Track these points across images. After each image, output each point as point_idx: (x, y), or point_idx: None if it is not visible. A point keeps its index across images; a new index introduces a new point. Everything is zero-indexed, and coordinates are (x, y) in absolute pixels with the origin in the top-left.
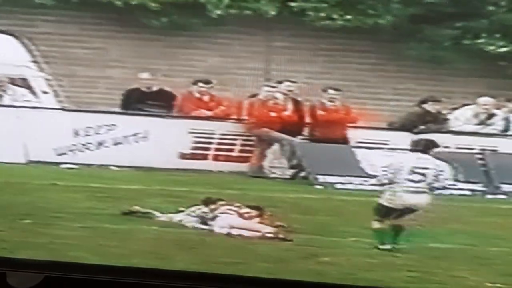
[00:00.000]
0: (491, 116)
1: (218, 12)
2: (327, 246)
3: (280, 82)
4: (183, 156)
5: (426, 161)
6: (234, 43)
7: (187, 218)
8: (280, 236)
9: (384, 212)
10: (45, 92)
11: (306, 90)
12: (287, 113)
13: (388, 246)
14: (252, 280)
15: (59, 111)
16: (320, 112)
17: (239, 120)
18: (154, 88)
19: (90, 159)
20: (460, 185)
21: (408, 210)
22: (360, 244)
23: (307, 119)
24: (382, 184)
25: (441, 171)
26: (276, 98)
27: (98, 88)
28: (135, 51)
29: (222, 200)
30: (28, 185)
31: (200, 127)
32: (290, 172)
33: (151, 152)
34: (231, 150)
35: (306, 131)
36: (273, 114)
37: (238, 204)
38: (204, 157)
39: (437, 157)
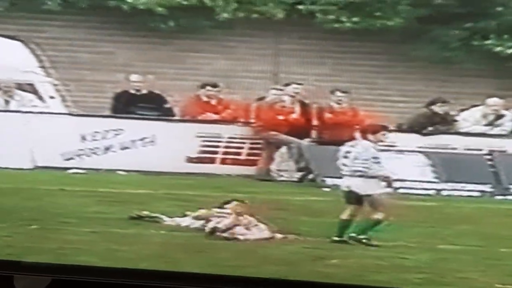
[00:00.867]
0: (499, 117)
1: (226, 15)
2: (335, 248)
3: (287, 85)
4: (191, 160)
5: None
6: (242, 46)
7: (193, 222)
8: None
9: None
10: (52, 97)
11: (314, 92)
12: (294, 116)
13: (344, 238)
14: (260, 281)
15: (66, 116)
16: (327, 115)
17: (246, 124)
18: (144, 91)
19: (97, 164)
20: (469, 186)
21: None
22: (368, 246)
23: (315, 122)
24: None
25: (375, 158)
26: (283, 101)
27: (105, 92)
28: (142, 55)
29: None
30: (35, 190)
31: (207, 130)
32: (298, 175)
33: (159, 156)
34: (238, 154)
35: (313, 134)
36: (280, 117)
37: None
38: (212, 161)
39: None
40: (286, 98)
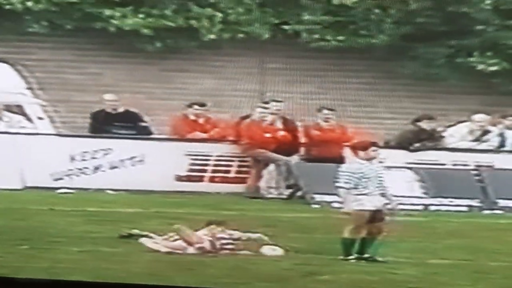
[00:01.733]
0: (486, 132)
1: (212, 36)
2: (326, 264)
3: (266, 103)
4: (180, 179)
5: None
6: (228, 66)
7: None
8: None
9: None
10: (40, 118)
11: (301, 110)
12: (282, 133)
13: (353, 257)
14: None
15: (55, 136)
16: (315, 132)
17: (235, 142)
18: (120, 109)
19: (86, 184)
20: (457, 201)
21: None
22: (359, 261)
23: (303, 139)
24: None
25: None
26: (268, 119)
27: None
28: (130, 76)
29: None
30: (25, 210)
31: (196, 149)
32: (287, 192)
33: (148, 175)
34: (227, 172)
35: (302, 151)
36: (268, 135)
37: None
38: (201, 179)
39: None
40: (268, 115)
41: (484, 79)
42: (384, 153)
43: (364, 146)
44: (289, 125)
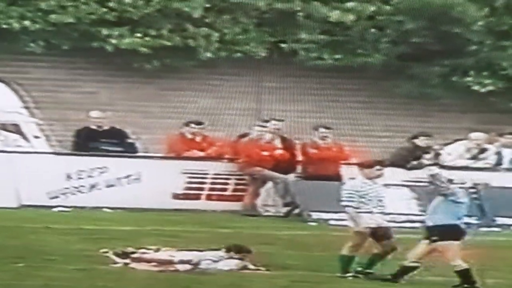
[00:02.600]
0: (483, 150)
1: (208, 55)
2: (323, 282)
3: (266, 121)
4: (176, 196)
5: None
6: (225, 85)
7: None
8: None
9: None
10: (36, 137)
11: (297, 128)
12: (279, 151)
13: (350, 274)
14: None
15: (51, 155)
16: (312, 150)
17: (232, 160)
18: (106, 127)
19: (83, 202)
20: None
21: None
22: (357, 279)
23: (300, 157)
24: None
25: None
26: (266, 137)
27: None
28: (126, 94)
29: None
30: (20, 228)
31: (193, 167)
32: (284, 209)
33: (144, 193)
34: (224, 190)
35: (299, 169)
36: (265, 153)
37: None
38: (197, 197)
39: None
40: (267, 134)
41: (480, 98)
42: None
43: (369, 165)
44: (286, 143)
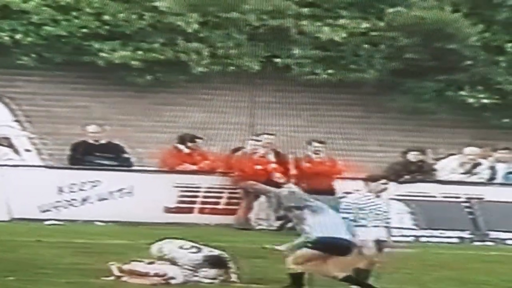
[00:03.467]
0: (476, 165)
1: (200, 69)
2: None
3: (258, 135)
4: (169, 210)
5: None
6: (218, 99)
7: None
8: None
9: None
10: (28, 150)
11: (291, 143)
12: (272, 166)
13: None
14: None
15: (43, 168)
16: (305, 164)
17: (225, 174)
18: (102, 141)
19: (74, 215)
20: (448, 233)
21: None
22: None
23: (293, 171)
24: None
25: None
26: (259, 151)
27: None
28: (118, 109)
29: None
30: (12, 242)
31: (185, 181)
32: (277, 223)
33: (137, 207)
34: (217, 203)
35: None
36: (258, 167)
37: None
38: (190, 211)
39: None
40: (260, 148)
41: (474, 113)
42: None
43: (374, 179)
44: (280, 157)
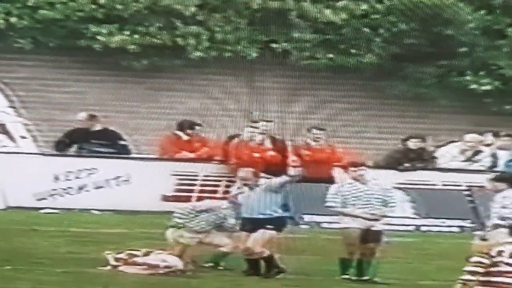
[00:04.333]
0: (477, 152)
1: (198, 54)
2: (314, 286)
3: (255, 122)
4: (166, 199)
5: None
6: (215, 85)
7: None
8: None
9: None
10: (23, 137)
11: (290, 130)
12: (270, 153)
13: (346, 276)
14: None
15: (38, 156)
16: (304, 152)
17: (222, 162)
18: (98, 127)
19: (70, 204)
20: (449, 222)
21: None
22: (348, 283)
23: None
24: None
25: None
26: (257, 138)
27: None
28: (115, 94)
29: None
30: (7, 231)
31: (183, 169)
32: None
33: (134, 195)
34: (214, 192)
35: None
36: (256, 154)
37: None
38: (187, 199)
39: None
40: (257, 135)
41: (475, 99)
42: (374, 173)
43: (353, 165)
44: (278, 145)
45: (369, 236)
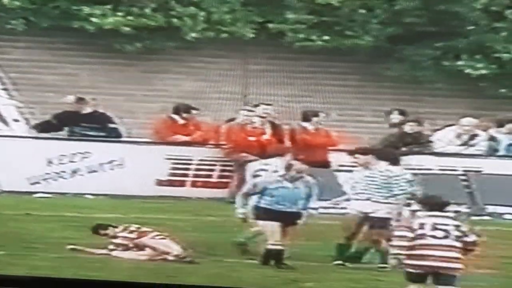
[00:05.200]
0: (473, 136)
1: (194, 35)
2: (310, 272)
3: (256, 106)
4: (161, 183)
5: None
6: (210, 67)
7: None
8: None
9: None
10: (16, 120)
11: (285, 113)
12: (266, 137)
13: (339, 262)
14: None
15: (31, 139)
16: (301, 136)
17: (217, 146)
18: (87, 110)
19: (64, 188)
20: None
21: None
22: (344, 269)
23: (288, 143)
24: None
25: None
26: (253, 122)
27: None
28: (108, 77)
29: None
30: (1, 215)
31: (177, 153)
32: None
33: (128, 180)
34: (209, 176)
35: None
36: (252, 138)
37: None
38: (182, 184)
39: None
40: (256, 119)
41: (471, 82)
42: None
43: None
44: (274, 128)
45: (375, 223)
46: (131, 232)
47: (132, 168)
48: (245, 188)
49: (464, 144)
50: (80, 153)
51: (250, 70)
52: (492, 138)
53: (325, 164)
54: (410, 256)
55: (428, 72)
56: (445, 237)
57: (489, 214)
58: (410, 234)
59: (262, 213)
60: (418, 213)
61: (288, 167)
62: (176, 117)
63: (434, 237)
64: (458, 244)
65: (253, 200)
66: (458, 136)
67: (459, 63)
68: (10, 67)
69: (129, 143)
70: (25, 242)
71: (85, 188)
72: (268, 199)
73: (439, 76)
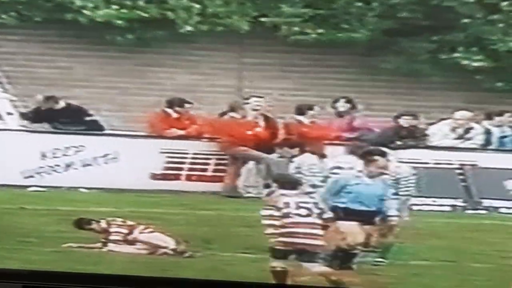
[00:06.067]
0: (468, 130)
1: (188, 28)
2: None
3: (247, 99)
4: (155, 177)
5: None
6: (205, 60)
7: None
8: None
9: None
10: (9, 114)
11: (280, 106)
12: (261, 130)
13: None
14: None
15: (25, 133)
16: (296, 129)
17: (212, 139)
18: (60, 105)
19: (58, 182)
20: (440, 201)
21: None
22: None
23: (282, 137)
24: None
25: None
26: (248, 115)
27: None
28: (102, 70)
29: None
30: None
31: (172, 146)
32: (266, 190)
33: (122, 173)
34: (204, 170)
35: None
36: (247, 131)
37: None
38: (177, 177)
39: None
40: (250, 112)
41: (467, 76)
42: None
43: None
44: (269, 122)
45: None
46: (119, 226)
47: (126, 161)
48: (326, 188)
49: (460, 137)
50: (74, 146)
51: (245, 63)
52: (487, 131)
53: (321, 157)
54: (283, 234)
55: (424, 65)
56: (308, 215)
57: (485, 208)
58: (277, 213)
59: (342, 213)
60: (282, 192)
61: (368, 163)
62: (169, 110)
63: (299, 215)
64: (319, 221)
65: (331, 199)
66: (453, 129)
67: (456, 55)
68: (3, 60)
69: (123, 136)
70: (19, 236)
71: (79, 181)
72: (349, 197)
73: (435, 69)
